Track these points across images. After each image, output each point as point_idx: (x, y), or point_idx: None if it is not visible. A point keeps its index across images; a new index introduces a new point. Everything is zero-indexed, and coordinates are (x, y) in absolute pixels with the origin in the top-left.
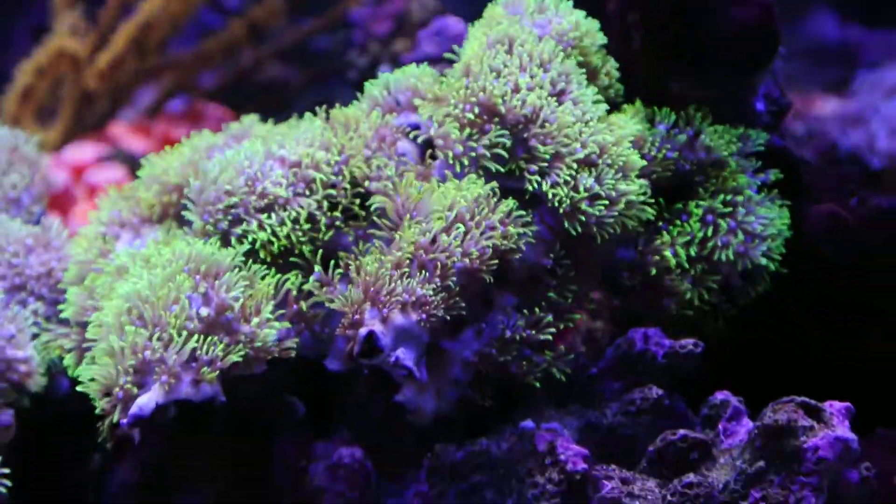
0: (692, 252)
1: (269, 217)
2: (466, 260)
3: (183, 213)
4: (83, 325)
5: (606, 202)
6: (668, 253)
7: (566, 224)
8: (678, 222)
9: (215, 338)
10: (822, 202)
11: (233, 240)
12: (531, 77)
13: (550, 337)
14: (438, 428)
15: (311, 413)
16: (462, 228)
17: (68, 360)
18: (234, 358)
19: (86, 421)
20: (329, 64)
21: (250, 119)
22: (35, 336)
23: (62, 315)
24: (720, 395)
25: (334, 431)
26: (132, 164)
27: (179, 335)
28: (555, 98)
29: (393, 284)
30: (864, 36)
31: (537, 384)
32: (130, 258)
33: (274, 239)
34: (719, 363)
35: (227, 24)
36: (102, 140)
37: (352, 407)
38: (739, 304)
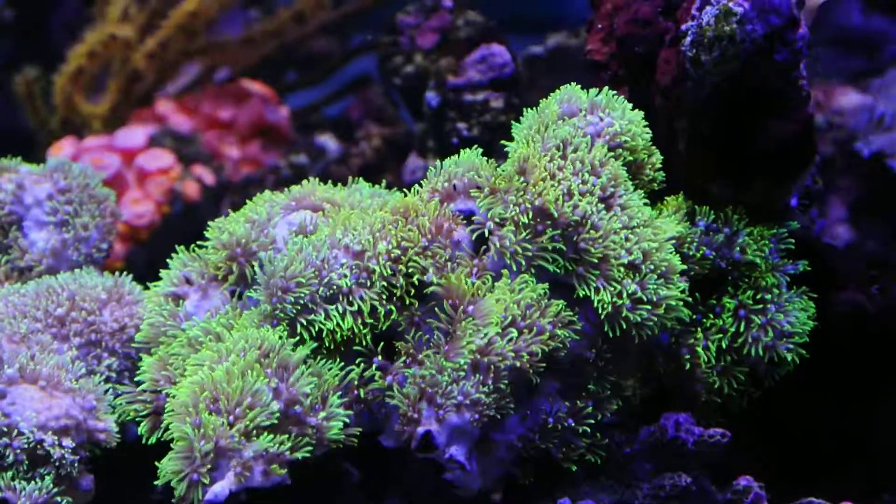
0: (723, 345)
1: (335, 307)
2: (517, 362)
3: (249, 293)
4: (156, 392)
5: (648, 307)
6: (700, 349)
7: (606, 327)
8: (711, 316)
9: (285, 436)
10: (847, 288)
11: (299, 327)
12: (583, 182)
13: (589, 429)
14: (482, 500)
15: (364, 478)
16: (515, 333)
17: (143, 427)
18: (302, 454)
19: (151, 459)
20: (368, 41)
21: (311, 183)
22: (107, 390)
23: (139, 387)
24: (743, 482)
25: (385, 497)
26: (180, 142)
27: (253, 428)
28: (603, 203)
29: (449, 388)
30: (889, 25)
31: (574, 468)
32: (203, 332)
33: (338, 329)
34: (743, 435)
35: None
36: (150, 119)
37: (404, 477)
38: (763, 387)
